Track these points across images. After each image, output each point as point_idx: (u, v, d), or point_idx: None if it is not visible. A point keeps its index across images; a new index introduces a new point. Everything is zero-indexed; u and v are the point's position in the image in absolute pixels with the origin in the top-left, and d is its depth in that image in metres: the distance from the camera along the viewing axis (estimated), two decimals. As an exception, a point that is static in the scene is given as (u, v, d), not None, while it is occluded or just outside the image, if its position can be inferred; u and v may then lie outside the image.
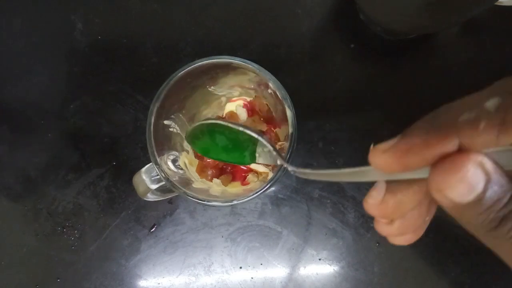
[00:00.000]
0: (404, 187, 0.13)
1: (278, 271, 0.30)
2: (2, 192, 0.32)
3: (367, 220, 0.30)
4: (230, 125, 0.21)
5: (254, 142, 0.21)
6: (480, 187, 0.10)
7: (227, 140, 0.22)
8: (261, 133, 0.21)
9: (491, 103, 0.10)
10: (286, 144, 0.25)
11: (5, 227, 0.32)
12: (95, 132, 0.32)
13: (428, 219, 0.14)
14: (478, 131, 0.10)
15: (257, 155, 0.21)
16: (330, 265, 0.30)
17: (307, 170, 0.16)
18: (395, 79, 0.32)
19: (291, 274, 0.30)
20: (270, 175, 0.26)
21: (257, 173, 0.28)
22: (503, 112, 0.10)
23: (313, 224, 0.30)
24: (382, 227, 0.14)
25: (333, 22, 0.32)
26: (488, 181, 0.10)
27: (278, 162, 0.20)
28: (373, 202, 0.14)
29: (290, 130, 0.22)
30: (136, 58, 0.32)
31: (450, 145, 0.10)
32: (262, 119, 0.28)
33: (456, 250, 0.30)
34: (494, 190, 0.10)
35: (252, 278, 0.30)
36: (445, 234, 0.30)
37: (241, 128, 0.21)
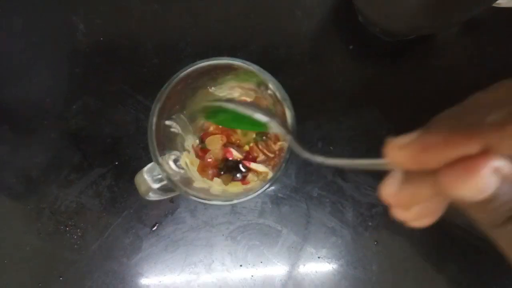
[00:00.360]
0: (422, 177, 0.12)
1: (277, 269, 0.31)
2: (4, 192, 0.32)
3: (366, 219, 0.31)
4: (237, 109, 0.21)
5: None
6: (492, 190, 0.10)
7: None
8: (271, 114, 0.21)
9: None
10: (286, 144, 0.25)
11: (8, 227, 0.32)
12: (96, 132, 0.32)
13: (446, 202, 0.14)
14: (507, 134, 0.10)
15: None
16: (329, 263, 0.30)
17: (322, 158, 0.16)
18: (394, 79, 0.32)
19: (291, 272, 0.31)
20: (270, 174, 0.26)
21: (257, 173, 0.28)
22: None
23: (313, 223, 0.31)
24: (399, 213, 0.14)
25: (332, 24, 0.32)
26: (502, 185, 0.10)
27: (287, 139, 0.20)
28: (388, 191, 0.13)
29: (290, 130, 0.22)
30: (137, 59, 0.33)
31: (474, 148, 0.10)
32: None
33: (454, 249, 0.30)
34: (505, 193, 0.10)
35: (252, 276, 0.31)
36: (443, 234, 0.30)
37: (249, 113, 0.21)
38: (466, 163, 0.10)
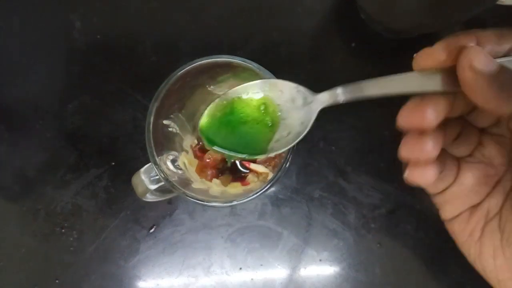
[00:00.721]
0: (435, 99, 0.16)
1: (278, 272, 0.30)
2: None
3: (368, 221, 0.30)
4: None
5: (272, 128, 0.21)
6: (496, 63, 0.14)
7: (244, 126, 0.21)
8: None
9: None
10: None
11: (3, 228, 0.32)
12: (93, 132, 0.32)
13: (444, 164, 0.18)
14: (486, 36, 0.15)
15: (269, 148, 0.20)
16: (331, 266, 0.30)
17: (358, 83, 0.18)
18: (396, 78, 0.31)
19: (292, 275, 0.30)
20: (270, 175, 0.26)
21: (257, 174, 0.28)
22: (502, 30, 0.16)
23: (314, 225, 0.30)
24: (411, 142, 0.17)
25: (334, 21, 0.32)
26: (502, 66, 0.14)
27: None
28: (411, 106, 0.16)
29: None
30: (135, 57, 0.32)
31: (488, 33, 0.15)
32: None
33: (457, 251, 0.30)
34: (506, 71, 0.14)
35: (252, 279, 0.30)
36: (446, 235, 0.30)
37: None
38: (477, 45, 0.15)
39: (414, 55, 0.16)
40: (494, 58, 0.15)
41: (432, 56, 0.16)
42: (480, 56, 0.14)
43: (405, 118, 0.16)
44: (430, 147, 0.16)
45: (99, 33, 0.33)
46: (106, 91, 0.32)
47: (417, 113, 0.16)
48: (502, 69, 0.14)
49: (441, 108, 0.16)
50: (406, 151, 0.17)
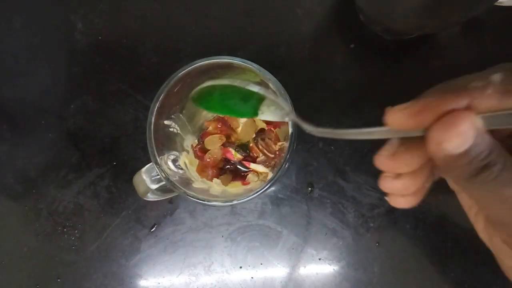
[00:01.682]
0: (413, 147, 0.15)
1: (278, 270, 0.30)
2: (2, 192, 0.32)
3: (367, 220, 0.30)
4: (236, 84, 0.21)
5: (259, 98, 0.21)
6: (470, 141, 0.12)
7: (232, 97, 0.21)
8: (266, 86, 0.20)
9: (496, 77, 0.13)
10: (286, 144, 0.25)
11: (5, 227, 0.32)
12: (95, 132, 0.32)
13: (427, 185, 0.16)
14: (485, 95, 0.12)
15: (260, 112, 0.21)
16: (330, 265, 0.30)
17: (323, 129, 0.17)
18: (395, 79, 0.32)
19: (291, 274, 0.30)
20: (270, 175, 0.26)
21: (257, 173, 0.28)
22: (506, 83, 0.12)
23: (313, 224, 0.30)
24: (388, 182, 0.16)
25: (333, 22, 0.32)
26: (476, 137, 0.12)
27: (286, 119, 0.20)
28: (386, 155, 0.15)
29: (290, 130, 0.22)
30: (136, 58, 0.32)
31: (461, 103, 0.12)
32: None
33: (456, 250, 0.30)
34: (479, 144, 0.12)
35: (252, 277, 0.30)
36: (445, 234, 0.30)
37: (246, 87, 0.21)
38: (451, 116, 0.12)
39: (387, 109, 0.14)
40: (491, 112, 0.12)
41: (400, 121, 0.14)
42: (456, 138, 0.12)
43: (380, 165, 0.16)
44: (406, 187, 0.16)
45: (101, 34, 0.33)
46: (108, 91, 0.32)
47: (390, 163, 0.15)
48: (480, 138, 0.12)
49: (417, 156, 0.15)
50: (383, 187, 0.16)
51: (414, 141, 0.14)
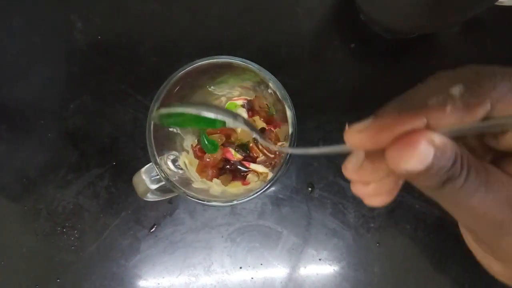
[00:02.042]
0: (377, 159, 0.14)
1: (278, 271, 0.30)
2: (1, 192, 0.32)
3: (368, 220, 0.30)
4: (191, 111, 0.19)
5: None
6: (429, 159, 0.12)
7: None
8: (233, 114, 0.19)
9: (456, 90, 0.12)
10: (286, 144, 0.25)
11: (5, 227, 0.32)
12: (94, 132, 0.32)
13: (400, 182, 0.16)
14: (446, 114, 0.12)
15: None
16: (330, 265, 0.30)
17: (291, 149, 0.19)
18: (396, 78, 0.31)
19: (291, 274, 0.30)
20: (270, 175, 0.26)
21: (257, 173, 0.28)
22: (466, 97, 0.12)
23: (313, 224, 0.30)
24: (359, 189, 0.16)
25: (333, 22, 0.32)
26: (436, 154, 0.12)
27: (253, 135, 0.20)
28: (351, 167, 0.15)
29: (290, 130, 0.22)
30: (135, 58, 0.32)
31: (419, 124, 0.12)
32: (262, 119, 0.28)
33: (456, 250, 0.30)
34: (440, 158, 0.12)
35: (252, 278, 0.30)
36: (445, 234, 0.30)
37: (219, 117, 0.19)
38: (406, 138, 0.12)
39: (346, 128, 0.14)
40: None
41: (359, 142, 0.14)
42: (413, 159, 0.12)
43: (347, 175, 0.16)
44: (376, 192, 0.16)
45: (100, 34, 0.33)
46: (107, 91, 0.32)
47: (357, 175, 0.15)
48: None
49: (382, 168, 0.14)
50: (355, 192, 0.17)
51: (379, 153, 0.14)
